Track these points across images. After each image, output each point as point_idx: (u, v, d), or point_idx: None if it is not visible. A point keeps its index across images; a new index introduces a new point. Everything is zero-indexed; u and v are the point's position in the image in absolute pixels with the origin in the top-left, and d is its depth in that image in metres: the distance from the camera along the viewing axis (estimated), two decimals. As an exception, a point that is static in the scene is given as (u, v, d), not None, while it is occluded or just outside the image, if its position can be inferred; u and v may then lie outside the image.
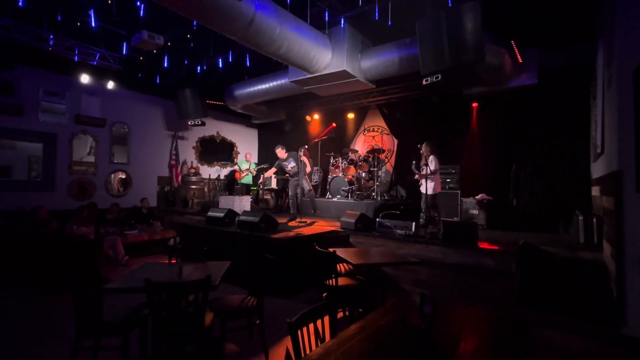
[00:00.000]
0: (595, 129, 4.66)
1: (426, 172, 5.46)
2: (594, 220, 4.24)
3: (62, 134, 7.11)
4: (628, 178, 2.88)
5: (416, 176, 5.68)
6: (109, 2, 4.90)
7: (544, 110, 6.35)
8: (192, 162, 9.56)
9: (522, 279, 3.61)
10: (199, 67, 7.25)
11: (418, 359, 1.47)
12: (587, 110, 5.62)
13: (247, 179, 8.62)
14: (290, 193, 6.29)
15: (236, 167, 8.77)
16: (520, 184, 6.60)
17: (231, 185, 9.58)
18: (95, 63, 6.49)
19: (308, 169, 6.14)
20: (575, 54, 5.63)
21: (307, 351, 1.58)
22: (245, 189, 8.54)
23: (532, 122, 6.53)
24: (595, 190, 4.94)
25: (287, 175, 6.49)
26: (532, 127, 6.55)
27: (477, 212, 6.29)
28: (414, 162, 5.76)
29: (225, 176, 10.16)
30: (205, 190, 9.35)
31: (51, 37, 5.77)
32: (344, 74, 5.84)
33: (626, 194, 2.94)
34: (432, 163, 5.46)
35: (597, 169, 4.68)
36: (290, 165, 6.16)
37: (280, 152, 6.28)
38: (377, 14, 4.81)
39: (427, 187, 5.47)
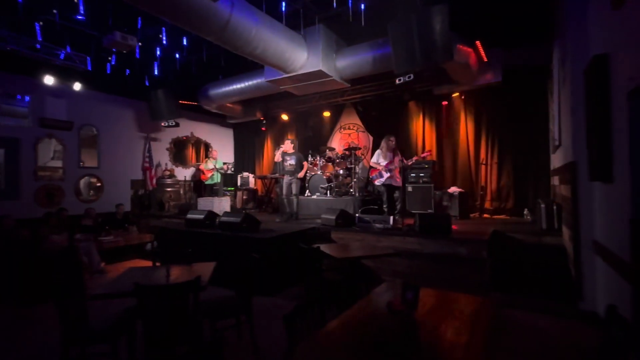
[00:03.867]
0: (553, 123, 5.04)
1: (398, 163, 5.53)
2: (554, 207, 4.61)
3: (26, 139, 6.75)
4: (582, 168, 3.18)
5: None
6: (75, 0, 4.71)
7: (508, 106, 6.76)
8: (166, 164, 9.33)
9: (493, 265, 3.89)
10: (171, 67, 7.09)
11: (402, 341, 1.61)
12: (547, 106, 6.05)
13: (216, 179, 8.26)
14: (285, 192, 6.31)
15: (202, 167, 8.37)
16: (488, 176, 7.00)
17: (198, 186, 9.28)
18: (59, 63, 6.19)
19: (302, 174, 6.20)
20: (534, 54, 6.03)
21: (300, 340, 1.68)
22: (219, 190, 8.26)
23: (498, 118, 6.94)
24: (555, 180, 5.35)
25: (278, 174, 6.54)
26: (498, 122, 6.95)
27: (449, 204, 6.61)
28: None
29: (191, 177, 9.80)
30: (181, 192, 9.16)
31: (10, 37, 5.46)
32: (319, 74, 5.93)
33: (580, 182, 3.24)
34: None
35: (556, 160, 5.08)
36: (290, 162, 6.16)
37: (287, 145, 6.28)
38: (351, 15, 4.93)
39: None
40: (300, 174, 6.13)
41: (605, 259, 2.75)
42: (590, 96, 2.75)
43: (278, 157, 6.39)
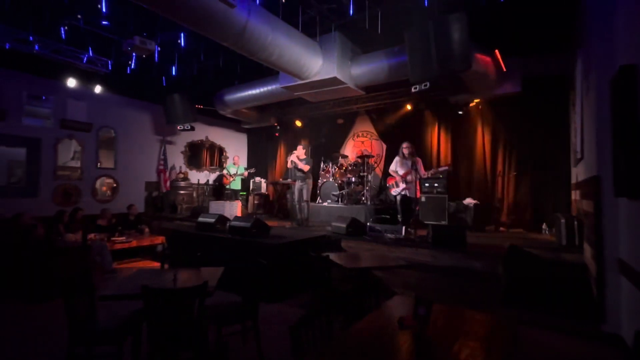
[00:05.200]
0: (575, 135, 4.87)
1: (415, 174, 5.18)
2: (575, 223, 4.42)
3: (47, 139, 6.96)
4: (606, 183, 3.03)
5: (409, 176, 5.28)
6: (98, 5, 4.85)
7: (527, 117, 6.58)
8: (180, 167, 9.46)
9: (509, 281, 3.73)
10: (188, 72, 7.22)
11: (415, 358, 1.53)
12: (568, 117, 5.86)
13: (236, 184, 8.38)
14: (296, 198, 6.28)
15: (225, 172, 8.53)
16: (505, 188, 6.80)
17: (219, 190, 9.40)
18: (82, 67, 6.39)
19: (306, 167, 6.15)
20: (555, 64, 5.88)
21: (307, 353, 1.62)
22: (234, 194, 8.37)
23: (516, 129, 6.76)
24: (575, 194, 5.14)
25: (290, 180, 6.50)
26: (516, 133, 6.77)
27: (464, 216, 6.45)
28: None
29: (213, 181, 10.04)
30: (194, 195, 9.26)
31: (36, 40, 5.66)
32: (334, 81, 5.93)
33: (605, 198, 3.09)
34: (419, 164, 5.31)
35: (578, 174, 4.89)
36: (302, 167, 6.14)
37: (300, 151, 6.27)
38: (367, 23, 4.92)
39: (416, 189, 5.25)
40: (305, 168, 6.07)
41: (630, 279, 2.60)
42: (617, 107, 2.63)
43: (290, 163, 6.38)
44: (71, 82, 6.67)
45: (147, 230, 6.63)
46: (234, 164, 8.52)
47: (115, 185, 8.04)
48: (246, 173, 8.57)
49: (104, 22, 5.15)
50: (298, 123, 9.60)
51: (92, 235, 5.78)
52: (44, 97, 6.96)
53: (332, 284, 3.45)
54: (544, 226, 5.89)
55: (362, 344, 1.66)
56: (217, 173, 10.26)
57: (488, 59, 5.37)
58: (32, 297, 4.17)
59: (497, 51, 5.54)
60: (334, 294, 3.27)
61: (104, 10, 4.85)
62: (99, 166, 7.79)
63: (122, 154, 8.16)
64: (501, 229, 6.61)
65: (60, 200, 7.07)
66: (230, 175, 8.24)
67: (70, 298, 2.34)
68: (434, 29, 4.46)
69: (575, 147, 4.83)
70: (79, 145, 7.44)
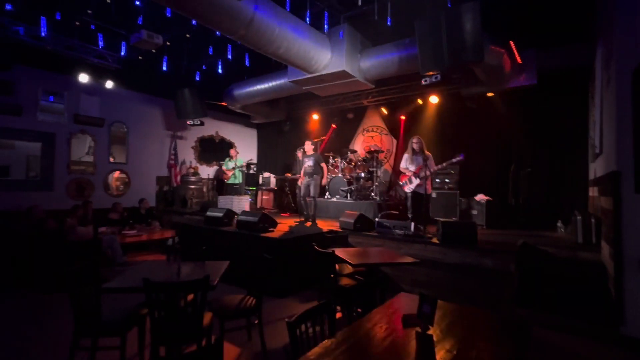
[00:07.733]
0: (594, 130, 4.67)
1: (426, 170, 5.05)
2: (592, 220, 4.25)
3: (61, 134, 7.09)
4: (626, 178, 2.89)
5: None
6: (108, 1, 4.88)
7: (543, 110, 6.35)
8: (191, 162, 9.53)
9: (521, 279, 3.62)
10: (198, 67, 7.23)
11: (417, 359, 1.47)
12: (586, 111, 5.63)
13: (237, 179, 8.00)
14: (302, 193, 6.25)
15: (223, 168, 8.17)
16: (519, 184, 6.60)
17: (220, 185, 9.34)
18: (94, 62, 6.48)
19: (324, 180, 6.15)
20: (574, 55, 5.64)
21: (306, 350, 1.58)
22: (239, 189, 8.01)
23: (531, 123, 6.53)
24: (593, 191, 4.95)
25: (297, 175, 6.51)
26: (531, 127, 6.55)
27: (475, 213, 6.29)
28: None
29: (213, 177, 9.85)
30: (204, 190, 9.32)
31: (50, 36, 5.75)
32: (343, 74, 5.83)
33: (625, 194, 2.94)
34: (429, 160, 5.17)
35: (596, 169, 4.69)
36: (308, 163, 6.11)
37: (308, 146, 6.26)
38: (376, 14, 4.80)
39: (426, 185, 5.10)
40: (323, 181, 6.07)
41: (652, 281, 2.47)
42: (639, 99, 2.48)
43: (299, 161, 6.35)
44: (83, 78, 6.75)
45: (156, 223, 6.71)
46: (232, 158, 8.11)
47: (127, 179, 8.16)
48: (245, 163, 8.33)
49: (113, 17, 5.18)
50: (307, 118, 9.53)
51: (103, 229, 5.89)
52: (57, 93, 7.08)
53: (338, 280, 3.41)
54: (559, 224, 5.69)
55: (364, 342, 1.60)
56: (215, 167, 10.03)
57: (502, 50, 5.18)
58: (44, 288, 4.26)
59: (511, 42, 5.34)
60: (339, 290, 3.22)
61: (113, 5, 4.88)
62: (111, 161, 7.91)
63: (134, 148, 8.27)
64: (514, 226, 6.43)
65: (74, 194, 7.21)
66: (228, 170, 7.96)
67: (76, 290, 2.36)
68: (445, 19, 4.32)
69: (594, 141, 4.63)
70: (92, 140, 7.56)
